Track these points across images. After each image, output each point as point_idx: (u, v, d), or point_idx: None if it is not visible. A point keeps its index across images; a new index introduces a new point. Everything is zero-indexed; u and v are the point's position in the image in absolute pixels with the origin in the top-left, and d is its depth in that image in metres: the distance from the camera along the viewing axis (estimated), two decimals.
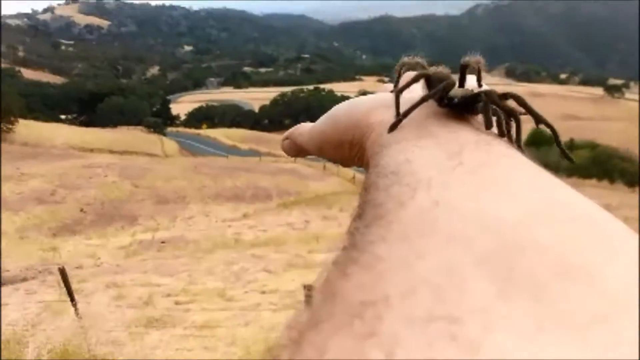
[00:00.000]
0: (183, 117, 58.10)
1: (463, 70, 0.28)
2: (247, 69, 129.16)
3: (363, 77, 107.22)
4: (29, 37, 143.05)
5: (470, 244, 0.14)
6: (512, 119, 0.24)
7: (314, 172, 23.08)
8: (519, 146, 0.23)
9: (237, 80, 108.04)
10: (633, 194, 18.23)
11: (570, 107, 69.02)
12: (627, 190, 19.45)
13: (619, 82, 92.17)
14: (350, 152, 0.28)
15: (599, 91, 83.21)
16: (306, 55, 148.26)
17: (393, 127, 0.23)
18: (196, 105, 65.88)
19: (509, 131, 0.23)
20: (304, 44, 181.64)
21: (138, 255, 8.73)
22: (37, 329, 4.47)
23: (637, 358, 0.11)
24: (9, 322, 4.55)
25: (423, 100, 0.25)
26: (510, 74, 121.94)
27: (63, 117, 51.87)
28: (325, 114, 0.31)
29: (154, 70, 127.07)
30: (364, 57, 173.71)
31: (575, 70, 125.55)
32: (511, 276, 0.12)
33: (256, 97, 76.17)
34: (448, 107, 0.25)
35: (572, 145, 28.65)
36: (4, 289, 6.40)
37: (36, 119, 37.66)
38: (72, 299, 4.56)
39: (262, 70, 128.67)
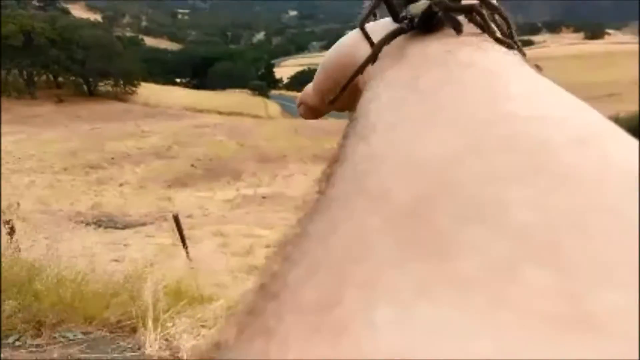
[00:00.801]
0: (286, 81, 59.32)
1: None
2: (349, 32, 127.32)
3: None
4: (151, 8, 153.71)
5: (386, 202, 0.12)
6: (491, 13, 0.22)
7: None
8: (510, 41, 0.21)
9: None
10: None
11: None
12: None
13: None
14: (349, 94, 0.25)
15: None
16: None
17: (360, 69, 0.22)
18: (299, 69, 66.83)
19: (487, 28, 0.21)
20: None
21: (241, 208, 9.17)
22: (154, 267, 4.90)
23: (516, 319, 0.08)
24: (131, 259, 5.02)
25: (392, 34, 0.22)
26: None
27: (178, 80, 55.40)
28: (318, 69, 0.30)
29: (260, 35, 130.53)
30: None
31: None
32: (415, 233, 0.11)
33: None
34: (416, 30, 0.22)
35: None
36: (126, 231, 7.06)
37: (155, 82, 40.75)
38: (184, 244, 4.90)
39: None
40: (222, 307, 3.32)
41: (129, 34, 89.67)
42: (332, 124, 26.95)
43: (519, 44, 0.21)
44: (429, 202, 0.11)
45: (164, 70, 54.12)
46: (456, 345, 0.08)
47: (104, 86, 31.83)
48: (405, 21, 0.22)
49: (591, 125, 0.13)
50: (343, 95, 0.25)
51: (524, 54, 0.20)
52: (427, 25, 0.21)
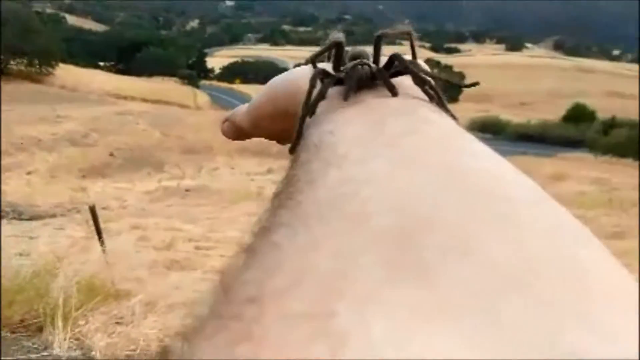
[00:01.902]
0: (217, 71, 58.14)
1: (377, 43, 0.26)
2: (286, 27, 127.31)
3: (403, 42, 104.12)
4: None
5: (369, 225, 0.13)
6: (427, 83, 0.23)
7: None
8: (444, 108, 0.22)
9: (275, 37, 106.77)
10: None
11: (617, 84, 65.69)
12: None
13: None
14: (284, 123, 0.27)
15: None
16: (348, 17, 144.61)
17: (312, 108, 0.22)
18: (232, 60, 65.74)
19: (432, 95, 0.22)
20: (347, 4, 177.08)
21: (163, 201, 8.94)
22: (65, 262, 4.67)
23: (509, 341, 0.10)
24: (40, 254, 4.76)
25: (319, 94, 0.22)
26: (559, 47, 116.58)
27: (102, 64, 52.58)
28: (262, 90, 0.30)
29: (194, 23, 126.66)
30: (407, 21, 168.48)
31: (629, 47, 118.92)
32: (402, 258, 0.11)
33: (293, 56, 75.30)
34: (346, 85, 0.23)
35: (612, 123, 27.41)
36: (33, 223, 6.66)
37: (76, 64, 38.33)
38: (100, 237, 4.72)
39: (301, 29, 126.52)
40: (141, 303, 3.27)
41: (49, 10, 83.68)
42: None
43: (451, 112, 0.22)
44: (412, 231, 0.12)
45: (87, 52, 51.06)
46: None
47: (17, 65, 29.45)
48: (343, 74, 0.23)
49: (539, 189, 0.15)
50: (273, 120, 0.28)
51: (456, 119, 0.22)
52: (366, 83, 0.23)
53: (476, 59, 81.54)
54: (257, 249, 0.14)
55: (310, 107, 0.22)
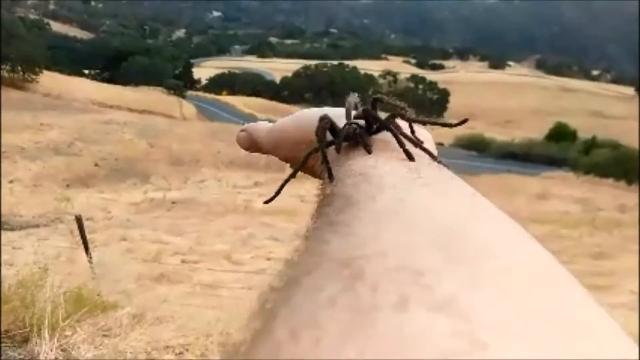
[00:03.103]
0: (204, 82, 58.02)
1: (373, 105, 0.30)
2: (273, 39, 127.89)
3: (389, 57, 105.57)
4: None
5: (424, 229, 0.17)
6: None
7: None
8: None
9: (262, 49, 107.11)
10: None
11: (598, 104, 67.27)
12: None
13: None
14: (302, 152, 0.31)
15: (630, 90, 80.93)
16: (334, 30, 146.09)
17: (325, 164, 0.27)
18: (219, 71, 65.67)
19: (409, 155, 0.26)
20: (334, 18, 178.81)
21: (149, 213, 8.87)
22: (51, 273, 4.62)
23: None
24: (26, 263, 4.70)
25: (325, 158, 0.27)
26: (541, 65, 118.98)
27: (87, 72, 52.10)
28: (290, 116, 0.34)
29: (181, 33, 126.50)
30: (392, 36, 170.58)
31: (608, 67, 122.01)
32: (451, 251, 0.16)
33: (279, 68, 75.59)
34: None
35: (594, 143, 28.05)
36: (17, 233, 6.57)
37: (60, 71, 37.95)
38: (86, 248, 4.67)
39: (288, 41, 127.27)
40: (128, 315, 3.26)
41: (32, 16, 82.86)
42: None
43: (434, 155, 0.27)
44: (455, 238, 0.17)
45: (72, 59, 50.61)
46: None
47: None
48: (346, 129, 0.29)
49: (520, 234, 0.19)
50: (295, 146, 0.32)
51: (439, 161, 0.27)
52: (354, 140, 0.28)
53: (460, 76, 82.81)
54: (336, 231, 0.18)
55: (323, 159, 0.27)
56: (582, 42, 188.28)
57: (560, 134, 31.31)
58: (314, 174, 0.32)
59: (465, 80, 77.68)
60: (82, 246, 4.68)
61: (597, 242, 8.42)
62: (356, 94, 0.32)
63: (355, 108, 0.32)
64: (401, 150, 0.26)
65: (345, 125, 0.29)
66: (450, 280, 0.14)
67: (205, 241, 6.68)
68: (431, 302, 0.13)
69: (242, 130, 0.37)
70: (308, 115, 0.33)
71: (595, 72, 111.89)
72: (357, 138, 0.28)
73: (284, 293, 0.16)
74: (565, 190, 16.31)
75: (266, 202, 0.34)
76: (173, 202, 10.02)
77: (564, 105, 63.63)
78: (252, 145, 0.36)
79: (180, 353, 3.06)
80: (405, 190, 0.21)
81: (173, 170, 14.97)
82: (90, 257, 4.58)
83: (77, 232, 4.74)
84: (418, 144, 0.27)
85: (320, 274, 0.15)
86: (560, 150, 27.38)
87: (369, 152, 0.27)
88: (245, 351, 0.14)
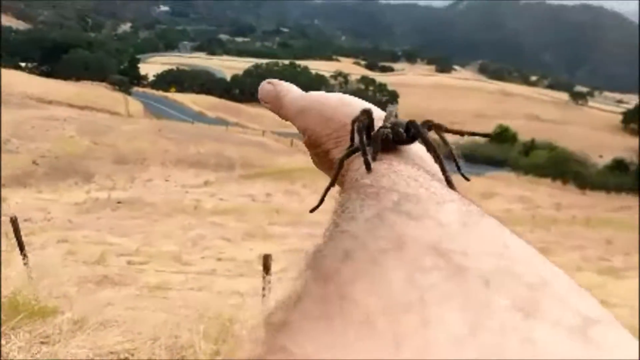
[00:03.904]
0: (151, 78, 56.37)
1: (387, 116, 0.31)
2: (223, 36, 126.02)
3: (340, 58, 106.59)
4: None
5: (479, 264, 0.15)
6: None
7: (281, 147, 22.96)
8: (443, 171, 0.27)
9: (212, 46, 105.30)
10: (583, 196, 19.01)
11: (535, 108, 70.85)
12: (577, 192, 20.29)
13: (584, 89, 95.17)
14: (321, 132, 0.32)
15: (564, 96, 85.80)
16: (285, 29, 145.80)
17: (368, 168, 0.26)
18: (166, 67, 63.95)
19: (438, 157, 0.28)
20: (285, 17, 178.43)
21: (92, 213, 8.52)
22: None
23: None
24: None
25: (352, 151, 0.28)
26: (483, 70, 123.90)
27: (23, 64, 49.38)
28: (331, 93, 0.34)
29: (126, 27, 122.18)
30: (343, 37, 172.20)
31: (545, 73, 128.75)
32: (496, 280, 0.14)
33: (229, 66, 74.57)
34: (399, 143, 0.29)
35: (532, 145, 29.55)
36: None
37: None
38: (22, 250, 4.42)
39: (239, 39, 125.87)
40: (68, 320, 3.10)
41: None
42: (198, 128, 26.31)
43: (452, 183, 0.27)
44: (506, 274, 0.15)
45: (6, 51, 47.76)
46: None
47: None
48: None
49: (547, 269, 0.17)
50: (313, 119, 0.33)
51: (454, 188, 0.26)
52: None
53: (408, 78, 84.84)
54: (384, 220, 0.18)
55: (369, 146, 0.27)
56: (521, 48, 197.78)
57: (502, 136, 32.73)
58: (330, 167, 0.31)
59: (413, 82, 79.70)
60: (18, 249, 4.43)
61: (538, 238, 8.89)
62: (396, 104, 0.32)
63: (395, 117, 0.31)
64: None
65: (381, 128, 0.29)
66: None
67: (152, 242, 6.48)
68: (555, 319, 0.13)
69: (269, 82, 0.36)
70: (353, 101, 0.33)
71: (533, 78, 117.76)
72: (389, 144, 0.28)
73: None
74: (507, 189, 17.10)
75: (312, 211, 0.33)
76: (118, 202, 9.66)
77: (504, 109, 66.60)
78: (274, 101, 0.35)
79: (126, 359, 2.94)
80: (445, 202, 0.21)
81: (118, 169, 14.44)
82: (27, 260, 4.34)
83: (12, 235, 4.48)
84: (445, 169, 0.27)
85: (358, 263, 0.15)
86: (502, 151, 28.64)
87: (370, 170, 0.26)
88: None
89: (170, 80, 55.00)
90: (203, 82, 56.99)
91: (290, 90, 0.35)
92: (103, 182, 12.75)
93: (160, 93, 45.17)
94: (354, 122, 0.28)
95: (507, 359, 0.12)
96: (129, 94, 39.99)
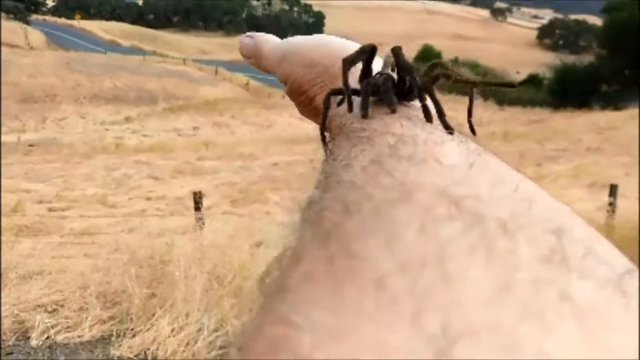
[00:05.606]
0: (51, 4, 50.78)
1: (385, 62, 0.28)
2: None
3: None
4: None
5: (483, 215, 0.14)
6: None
7: (205, 76, 21.98)
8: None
9: None
10: (501, 112, 20.13)
11: (459, 27, 72.03)
12: (496, 109, 21.42)
13: (504, 5, 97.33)
14: (305, 77, 0.30)
15: (486, 13, 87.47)
16: None
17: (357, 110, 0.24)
18: None
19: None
20: None
21: (2, 159, 7.87)
22: None
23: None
24: None
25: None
26: None
27: None
28: (309, 36, 0.32)
29: None
30: None
31: None
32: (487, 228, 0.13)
33: None
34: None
35: (456, 63, 30.31)
36: None
37: None
38: None
39: None
40: None
41: None
42: (112, 59, 24.40)
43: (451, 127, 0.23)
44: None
45: None
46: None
47: None
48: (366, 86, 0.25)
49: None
50: (296, 66, 0.31)
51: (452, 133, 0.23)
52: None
53: (334, 2, 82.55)
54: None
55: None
56: None
57: (427, 56, 33.27)
58: (316, 114, 0.29)
59: (338, 3, 77.74)
60: None
61: None
62: (401, 47, 0.27)
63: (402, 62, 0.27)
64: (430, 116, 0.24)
65: (377, 74, 0.26)
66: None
67: (73, 186, 6.13)
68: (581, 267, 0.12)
69: (247, 36, 0.35)
70: (335, 42, 0.31)
71: None
72: (384, 94, 0.24)
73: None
74: None
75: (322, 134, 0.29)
76: (30, 145, 8.97)
77: (429, 29, 67.16)
78: (254, 54, 0.34)
79: (54, 310, 2.84)
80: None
81: (25, 108, 13.25)
82: None
83: None
84: (444, 114, 0.24)
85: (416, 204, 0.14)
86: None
87: (393, 111, 0.23)
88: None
89: (74, 5, 49.80)
90: (112, 8, 52.18)
91: (268, 41, 0.34)
92: (10, 124, 11.68)
93: (64, 21, 41.02)
94: (344, 61, 0.26)
95: (548, 318, 0.10)
96: (28, 23, 35.94)
